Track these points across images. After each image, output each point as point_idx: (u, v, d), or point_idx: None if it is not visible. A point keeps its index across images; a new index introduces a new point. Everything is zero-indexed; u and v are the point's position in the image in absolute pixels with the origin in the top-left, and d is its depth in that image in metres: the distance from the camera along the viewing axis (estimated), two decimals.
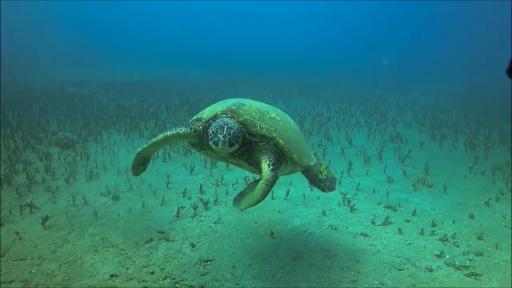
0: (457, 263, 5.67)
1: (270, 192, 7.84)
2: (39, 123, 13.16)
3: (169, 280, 5.02)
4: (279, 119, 4.52)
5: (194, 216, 6.90)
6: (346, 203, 7.65)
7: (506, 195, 8.47)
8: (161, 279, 5.04)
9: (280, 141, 4.27)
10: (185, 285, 4.94)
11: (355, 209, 7.42)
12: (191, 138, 4.33)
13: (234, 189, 8.22)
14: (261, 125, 4.24)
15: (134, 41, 54.81)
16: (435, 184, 8.89)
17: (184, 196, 7.78)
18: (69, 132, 11.84)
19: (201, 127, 4.32)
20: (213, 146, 3.91)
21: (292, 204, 7.63)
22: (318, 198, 7.93)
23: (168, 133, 4.27)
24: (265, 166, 4.13)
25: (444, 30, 57.61)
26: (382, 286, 5.08)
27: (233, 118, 4.17)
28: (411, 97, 23.42)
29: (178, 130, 4.23)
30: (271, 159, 4.18)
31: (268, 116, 4.40)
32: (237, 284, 5.01)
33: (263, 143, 4.25)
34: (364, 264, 5.59)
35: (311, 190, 8.34)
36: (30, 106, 16.11)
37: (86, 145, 10.98)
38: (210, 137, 3.93)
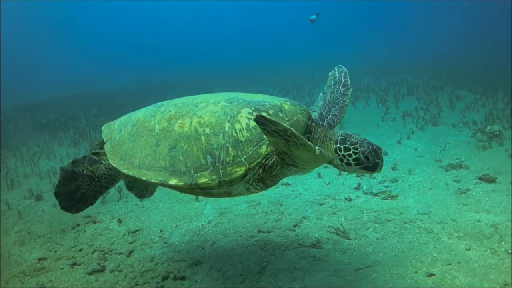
0: (374, 191, 6.12)
1: None
2: None
3: (97, 253, 5.05)
4: None
5: (120, 199, 6.94)
6: None
7: (417, 133, 9.13)
8: (89, 253, 5.06)
9: None
10: (114, 253, 5.00)
11: None
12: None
13: None
14: None
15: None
16: None
17: None
18: None
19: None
20: (361, 170, 3.18)
21: None
22: None
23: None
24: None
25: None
26: (305, 219, 5.39)
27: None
28: (325, 73, 24.05)
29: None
30: None
31: None
32: (166, 243, 5.14)
33: None
34: (287, 206, 5.89)
35: None
36: None
37: (4, 161, 10.60)
38: (354, 162, 3.13)
